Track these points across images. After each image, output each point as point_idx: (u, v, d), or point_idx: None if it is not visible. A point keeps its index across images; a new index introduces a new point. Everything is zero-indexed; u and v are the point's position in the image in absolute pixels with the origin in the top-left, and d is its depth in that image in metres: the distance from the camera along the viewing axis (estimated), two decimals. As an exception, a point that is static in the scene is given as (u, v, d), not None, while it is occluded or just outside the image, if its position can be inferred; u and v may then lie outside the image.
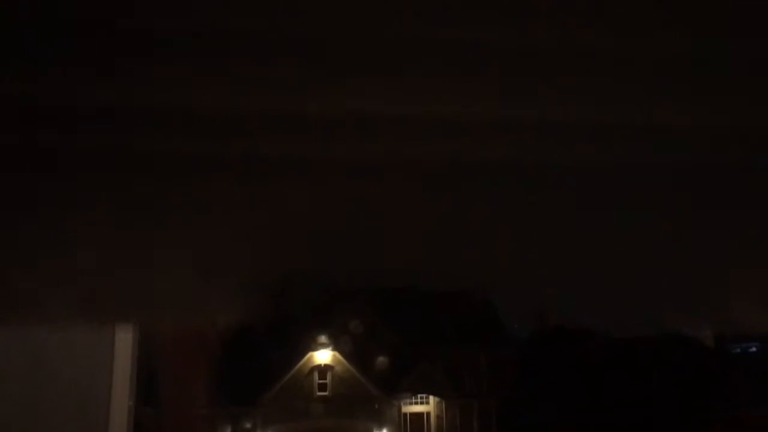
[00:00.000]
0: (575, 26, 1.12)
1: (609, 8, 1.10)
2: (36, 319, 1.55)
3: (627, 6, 1.10)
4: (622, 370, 18.10)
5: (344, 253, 1.51)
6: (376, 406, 18.42)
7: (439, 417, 18.98)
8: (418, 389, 18.94)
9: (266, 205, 1.38)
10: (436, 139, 1.30)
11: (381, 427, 18.43)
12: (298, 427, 17.56)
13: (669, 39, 1.15)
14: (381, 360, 18.92)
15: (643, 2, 1.11)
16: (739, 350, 19.88)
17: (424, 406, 19.07)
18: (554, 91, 1.22)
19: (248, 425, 17.68)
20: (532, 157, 1.34)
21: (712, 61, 1.18)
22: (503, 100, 1.24)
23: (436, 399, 19.02)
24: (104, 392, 1.82)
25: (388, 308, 19.11)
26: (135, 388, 1.89)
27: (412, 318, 19.41)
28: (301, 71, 1.16)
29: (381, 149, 1.31)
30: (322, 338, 18.59)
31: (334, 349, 18.59)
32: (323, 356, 18.59)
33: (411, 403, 18.98)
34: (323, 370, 18.57)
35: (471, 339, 19.46)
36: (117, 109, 1.19)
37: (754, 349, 19.52)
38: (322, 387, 18.48)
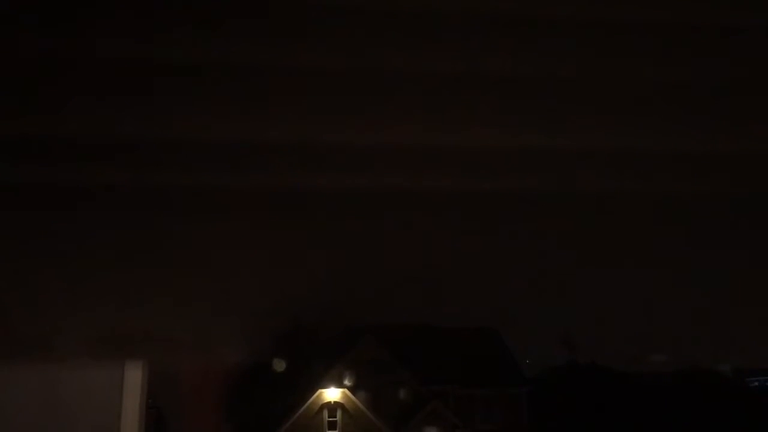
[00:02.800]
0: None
1: None
2: (49, 357, 1.57)
3: None
4: (637, 404, 17.73)
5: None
6: (387, 445, 18.08)
7: (450, 455, 18.59)
8: (428, 427, 18.60)
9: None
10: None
11: (392, 466, 18.05)
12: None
13: None
14: (391, 397, 18.65)
15: None
16: (757, 384, 19.45)
17: (436, 444, 18.68)
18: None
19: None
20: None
21: None
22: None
23: (448, 437, 18.64)
24: (114, 429, 1.82)
25: (399, 345, 18.91)
26: (144, 426, 1.90)
27: (423, 354, 19.18)
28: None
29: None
30: (332, 375, 18.38)
31: (344, 387, 18.36)
32: (333, 394, 18.35)
33: (422, 442, 18.61)
34: (333, 407, 18.31)
35: (483, 375, 19.17)
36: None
37: (772, 382, 19.12)
38: (332, 425, 18.19)
